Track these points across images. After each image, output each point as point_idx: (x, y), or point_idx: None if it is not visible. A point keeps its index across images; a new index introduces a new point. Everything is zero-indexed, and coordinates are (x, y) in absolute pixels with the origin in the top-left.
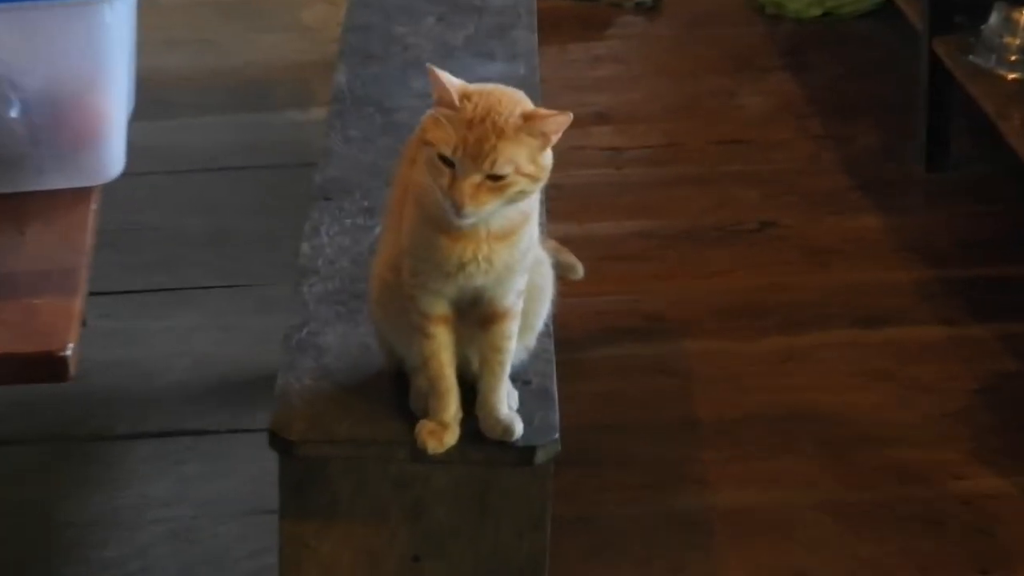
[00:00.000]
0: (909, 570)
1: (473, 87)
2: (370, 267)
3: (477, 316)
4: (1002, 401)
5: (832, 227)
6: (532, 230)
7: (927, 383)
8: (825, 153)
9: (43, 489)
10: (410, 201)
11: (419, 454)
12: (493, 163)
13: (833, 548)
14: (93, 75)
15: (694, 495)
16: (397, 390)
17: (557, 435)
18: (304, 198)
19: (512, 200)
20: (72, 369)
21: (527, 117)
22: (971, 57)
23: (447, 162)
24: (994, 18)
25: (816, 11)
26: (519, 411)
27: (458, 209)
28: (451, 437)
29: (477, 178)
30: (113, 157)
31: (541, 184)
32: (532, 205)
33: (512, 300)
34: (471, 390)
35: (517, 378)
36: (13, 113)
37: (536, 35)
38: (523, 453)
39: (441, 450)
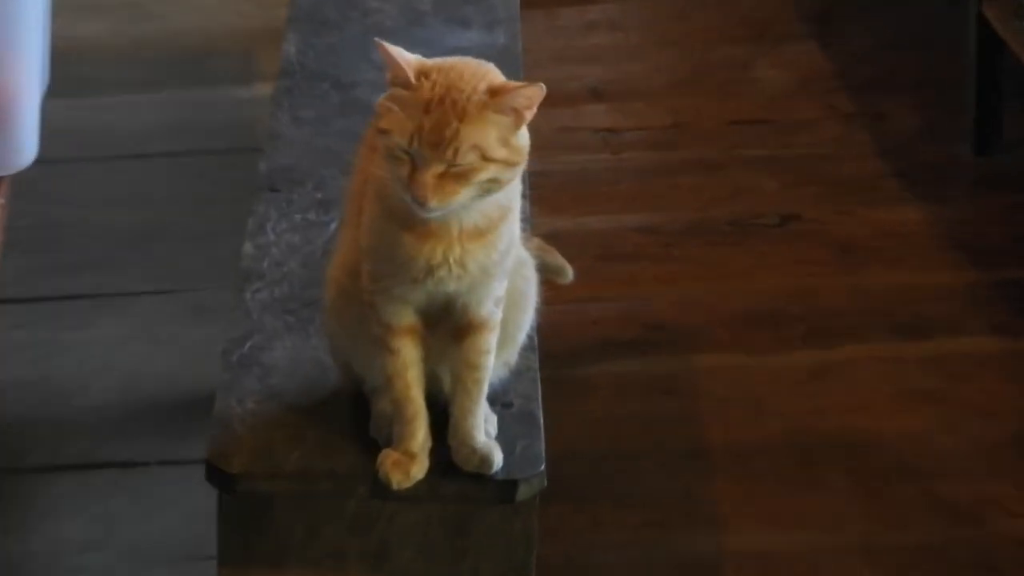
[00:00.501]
0: None
1: (433, 63)
2: (324, 270)
3: (449, 327)
4: None
5: (865, 221)
6: (512, 227)
7: (978, 405)
8: (856, 134)
9: None
10: (370, 193)
11: (382, 489)
12: (456, 151)
13: None
14: None
15: (704, 536)
16: (356, 415)
17: (543, 466)
18: (247, 189)
19: (487, 190)
20: None
21: (492, 92)
22: None
23: (405, 151)
24: None
25: None
26: (498, 438)
27: (421, 205)
28: (419, 469)
29: (439, 168)
30: (24, 143)
31: (518, 170)
32: (512, 197)
33: (489, 309)
34: (442, 414)
35: (496, 400)
36: None
37: None
38: (503, 488)
39: (407, 484)
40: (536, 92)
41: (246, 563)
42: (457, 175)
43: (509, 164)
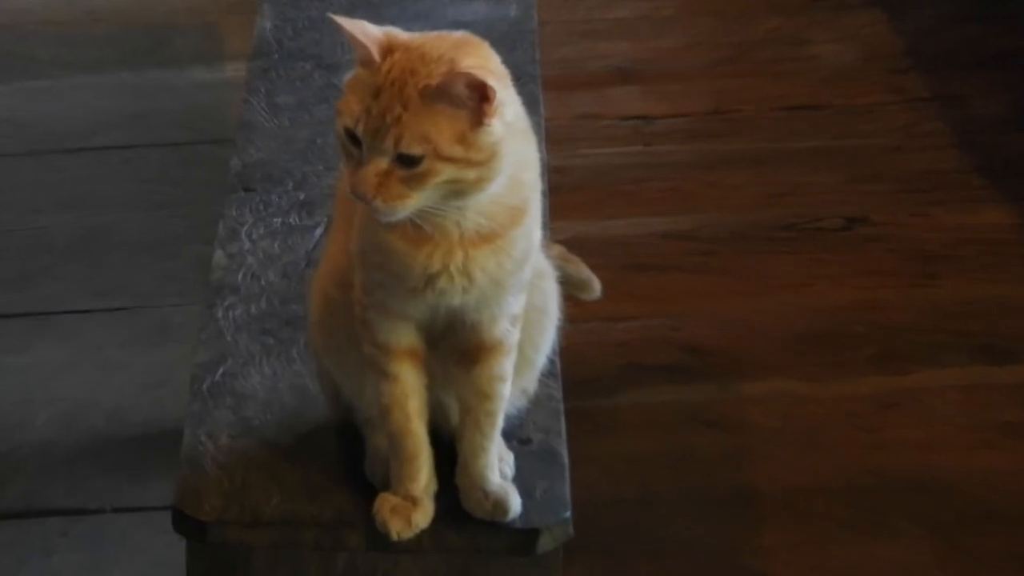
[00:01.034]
0: None
1: (405, 39)
2: (309, 282)
3: (457, 350)
4: None
5: (941, 224)
6: (529, 232)
7: None
8: (929, 122)
9: None
10: None
11: (379, 540)
12: (397, 141)
13: None
14: None
15: None
16: (347, 452)
17: (568, 513)
18: (216, 189)
19: (454, 192)
20: None
21: (444, 78)
22: None
23: (354, 140)
24: None
25: None
26: (515, 480)
27: (364, 202)
28: (422, 516)
29: (383, 163)
30: None
31: (495, 169)
32: (526, 197)
33: (504, 328)
34: (449, 451)
35: (513, 435)
36: None
37: None
38: (522, 538)
39: (409, 534)
40: (481, 79)
41: None
42: (409, 177)
43: (470, 164)
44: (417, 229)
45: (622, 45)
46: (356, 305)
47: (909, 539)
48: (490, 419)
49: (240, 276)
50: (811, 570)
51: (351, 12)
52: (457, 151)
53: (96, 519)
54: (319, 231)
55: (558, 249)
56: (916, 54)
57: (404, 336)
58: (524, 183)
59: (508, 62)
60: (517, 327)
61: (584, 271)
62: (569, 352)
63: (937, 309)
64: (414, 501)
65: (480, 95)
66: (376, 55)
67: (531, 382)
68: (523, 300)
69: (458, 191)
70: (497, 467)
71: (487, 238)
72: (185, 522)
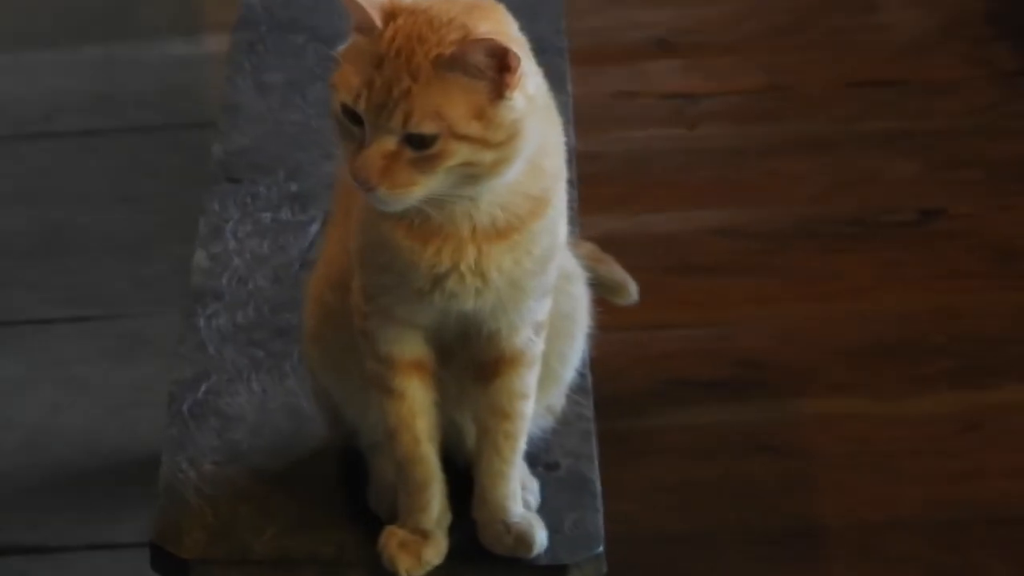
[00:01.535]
0: None
1: (410, 2)
2: (304, 286)
3: (472, 363)
4: None
5: None
6: (553, 226)
7: None
8: (1017, 101)
9: None
10: None
11: None
12: (406, 118)
13: None
14: None
15: None
16: (348, 480)
17: (600, 549)
18: (195, 179)
19: (467, 177)
20: None
21: (461, 45)
22: None
23: (354, 119)
24: None
25: None
26: (540, 511)
27: (364, 190)
28: (434, 552)
29: (390, 143)
30: None
31: (508, 155)
32: (548, 186)
33: (526, 338)
34: (465, 478)
35: (537, 459)
36: None
37: None
38: None
39: (419, 572)
40: (503, 45)
41: None
42: (418, 160)
43: (488, 145)
44: (424, 222)
45: (662, 12)
46: (355, 313)
47: None
48: (510, 441)
49: (224, 280)
50: None
51: None
52: (474, 129)
53: (61, 558)
54: (315, 228)
55: (588, 247)
56: (1002, 22)
57: (410, 347)
58: (546, 170)
59: (530, 33)
60: (541, 336)
61: (618, 272)
62: (602, 365)
63: None
64: (425, 535)
65: (501, 64)
66: (377, 20)
67: (558, 399)
68: (548, 305)
69: (473, 176)
70: (519, 496)
71: (503, 233)
72: (164, 560)
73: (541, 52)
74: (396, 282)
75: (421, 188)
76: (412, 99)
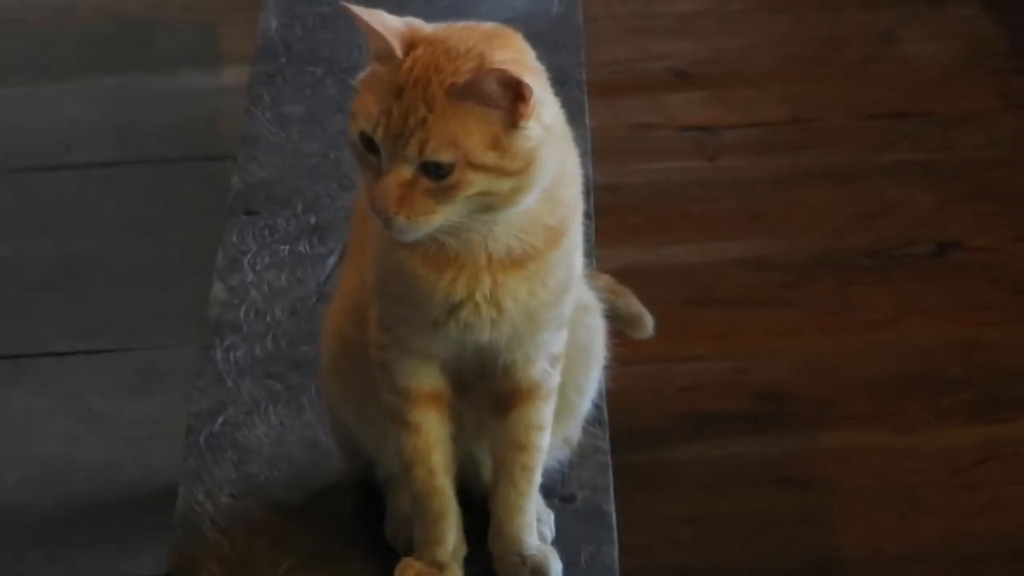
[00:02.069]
0: None
1: (429, 31)
2: (322, 319)
3: (489, 395)
4: None
5: None
6: (569, 256)
7: None
8: None
9: None
10: None
11: None
12: (422, 146)
13: None
14: None
15: None
16: (365, 512)
17: None
18: (213, 212)
19: (483, 206)
20: None
21: (473, 75)
22: None
23: (371, 147)
24: None
25: None
26: (556, 543)
27: (381, 219)
28: None
29: (406, 171)
30: None
31: (525, 183)
32: (564, 216)
33: (542, 370)
34: (481, 511)
35: (554, 492)
36: None
37: None
38: None
39: None
40: (515, 73)
41: None
42: (436, 189)
43: (504, 173)
44: (439, 251)
45: (683, 44)
46: (373, 345)
47: None
48: (527, 474)
49: (242, 312)
50: None
51: (371, 6)
52: (490, 158)
53: None
54: (332, 260)
55: (605, 280)
56: (1023, 54)
57: (427, 379)
58: (563, 200)
59: (550, 65)
60: (557, 368)
61: (635, 305)
62: (619, 397)
63: None
64: (441, 567)
65: (514, 93)
66: (398, 49)
67: (574, 430)
68: (564, 338)
69: (490, 205)
70: (535, 529)
71: (519, 262)
72: None
73: (561, 84)
74: (412, 312)
75: (439, 217)
76: (428, 128)
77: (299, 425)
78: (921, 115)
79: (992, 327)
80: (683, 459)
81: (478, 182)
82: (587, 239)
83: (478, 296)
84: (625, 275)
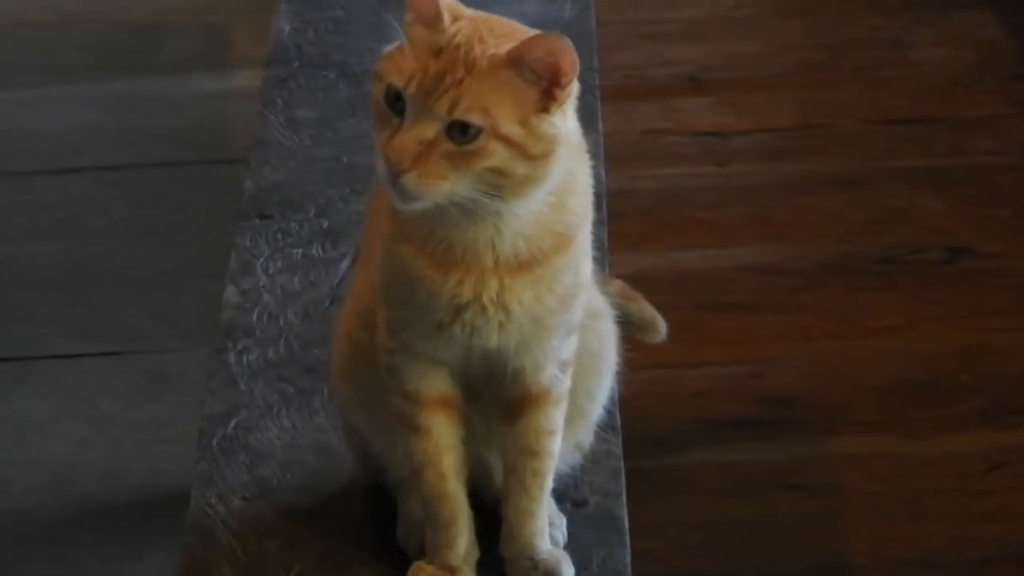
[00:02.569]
0: None
1: (471, 12)
2: (334, 323)
3: (499, 401)
4: None
5: None
6: (577, 262)
7: None
8: None
9: None
10: (383, 209)
11: None
12: (454, 104)
13: None
14: None
15: None
16: (376, 516)
17: None
18: (225, 215)
19: (488, 187)
20: None
21: (524, 44)
22: None
23: (396, 106)
24: None
25: None
26: (568, 548)
27: (392, 173)
28: None
29: (430, 130)
30: None
31: (542, 169)
32: (571, 222)
33: (552, 375)
34: (493, 515)
35: (565, 496)
36: None
37: None
38: None
39: None
40: (561, 49)
41: None
42: (456, 153)
43: (524, 154)
44: (446, 251)
45: (694, 50)
46: (381, 349)
47: None
48: (538, 479)
49: (255, 316)
50: None
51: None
52: (516, 131)
53: None
54: (345, 264)
55: (617, 285)
56: None
57: (436, 384)
58: (571, 209)
59: None
60: (567, 374)
61: (647, 310)
62: (631, 403)
63: None
64: (452, 571)
65: (554, 76)
66: (445, 13)
67: (586, 435)
68: (573, 344)
69: (500, 186)
70: (547, 533)
71: (526, 265)
72: None
73: None
74: (417, 315)
75: (447, 184)
76: (463, 88)
77: (311, 429)
78: (931, 121)
79: (1002, 333)
80: (694, 464)
81: (499, 155)
82: (599, 244)
83: (485, 298)
84: (637, 280)
